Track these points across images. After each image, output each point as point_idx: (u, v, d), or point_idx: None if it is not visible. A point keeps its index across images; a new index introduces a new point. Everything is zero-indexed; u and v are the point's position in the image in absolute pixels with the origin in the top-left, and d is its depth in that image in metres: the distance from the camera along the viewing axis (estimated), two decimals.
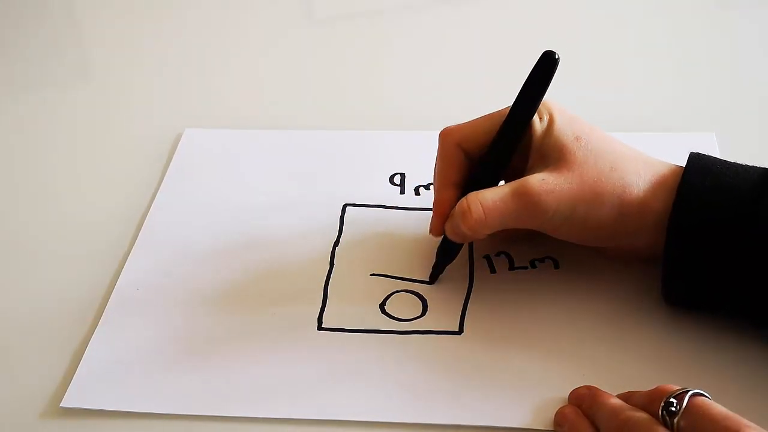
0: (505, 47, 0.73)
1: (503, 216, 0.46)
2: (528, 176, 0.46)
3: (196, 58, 0.75)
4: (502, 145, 0.48)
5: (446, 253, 0.50)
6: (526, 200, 0.45)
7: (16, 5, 0.83)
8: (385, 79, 0.71)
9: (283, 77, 0.72)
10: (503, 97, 0.67)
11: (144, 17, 0.82)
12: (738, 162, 0.45)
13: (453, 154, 0.49)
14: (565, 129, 0.46)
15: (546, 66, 0.46)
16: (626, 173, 0.45)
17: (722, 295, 0.44)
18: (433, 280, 0.51)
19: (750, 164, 0.45)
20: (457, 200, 0.47)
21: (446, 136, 0.49)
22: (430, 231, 0.50)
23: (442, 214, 0.48)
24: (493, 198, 0.46)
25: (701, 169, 0.45)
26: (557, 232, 0.47)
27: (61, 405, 0.44)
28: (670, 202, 0.44)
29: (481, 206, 0.46)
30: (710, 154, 0.46)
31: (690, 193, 0.44)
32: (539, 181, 0.45)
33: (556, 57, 0.46)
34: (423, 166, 0.59)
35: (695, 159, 0.46)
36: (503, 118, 0.48)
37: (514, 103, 0.48)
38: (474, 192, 0.46)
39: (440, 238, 0.50)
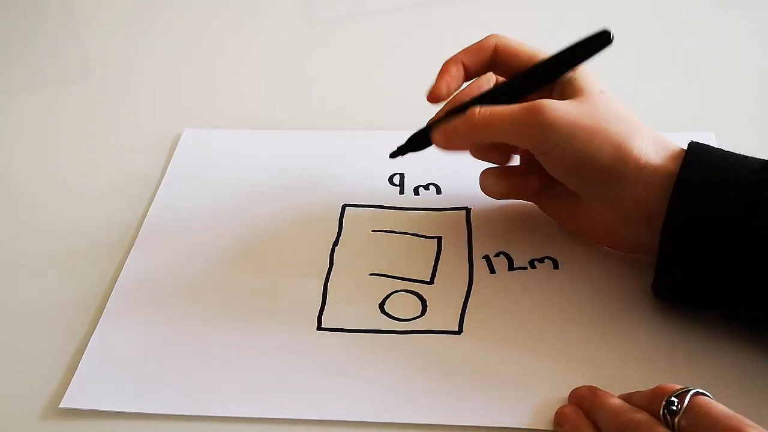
0: None
1: (508, 124, 0.47)
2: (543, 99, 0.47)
3: (195, 58, 0.75)
4: (525, 81, 0.50)
5: (414, 144, 0.53)
6: (534, 114, 0.46)
7: (16, 5, 0.83)
8: (385, 79, 0.71)
9: (283, 77, 0.72)
10: None
11: (144, 17, 0.82)
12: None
13: (487, 48, 0.51)
14: (592, 80, 0.48)
15: (599, 41, 0.48)
16: (634, 133, 0.46)
17: (717, 284, 0.44)
18: (392, 155, 0.54)
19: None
20: (460, 85, 0.51)
21: (493, 36, 0.51)
22: (428, 96, 0.51)
23: (442, 79, 0.51)
24: (502, 108, 0.48)
25: (701, 154, 0.45)
26: (551, 164, 0.47)
27: (60, 405, 0.44)
28: (668, 180, 0.44)
29: (490, 111, 0.47)
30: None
31: (690, 176, 0.44)
32: (551, 102, 0.46)
33: (611, 37, 0.48)
34: (422, 167, 0.59)
35: (694, 145, 0.46)
36: (540, 61, 0.50)
37: (553, 57, 0.49)
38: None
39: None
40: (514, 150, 0.53)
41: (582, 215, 0.49)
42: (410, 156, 0.60)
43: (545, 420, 0.42)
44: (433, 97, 0.51)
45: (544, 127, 0.46)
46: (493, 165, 0.53)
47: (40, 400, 0.45)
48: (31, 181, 0.62)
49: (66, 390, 0.45)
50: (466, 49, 0.52)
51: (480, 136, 0.49)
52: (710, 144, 0.46)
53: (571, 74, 0.49)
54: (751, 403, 0.42)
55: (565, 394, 0.43)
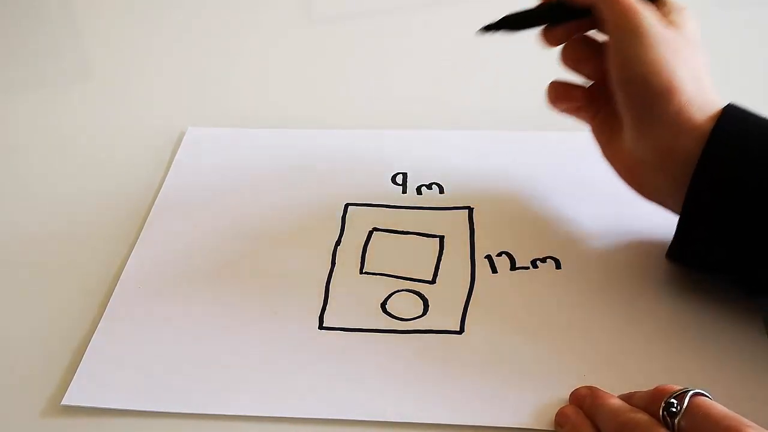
0: (507, 46, 0.73)
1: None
2: None
3: (199, 57, 0.75)
4: None
5: (514, 22, 0.52)
6: (633, 7, 0.47)
7: (16, 5, 0.83)
8: (387, 78, 0.71)
9: (286, 76, 0.72)
10: (504, 96, 0.67)
11: (144, 16, 0.82)
12: None
13: None
14: (695, 26, 0.49)
15: None
16: (692, 81, 0.46)
17: (736, 248, 0.45)
18: (485, 29, 0.53)
19: None
20: None
21: None
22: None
23: None
24: None
25: (735, 119, 0.46)
26: (616, 65, 0.48)
27: (62, 403, 0.44)
28: (701, 140, 0.45)
29: None
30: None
31: (720, 140, 0.45)
32: (654, 14, 0.48)
33: None
34: (425, 166, 0.59)
35: (730, 108, 0.46)
36: None
37: None
38: None
39: None
40: (601, 68, 0.52)
41: (620, 150, 0.50)
42: (412, 155, 0.60)
43: (546, 420, 0.42)
44: None
45: (635, 27, 0.47)
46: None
47: (41, 398, 0.45)
48: (33, 180, 0.62)
49: (68, 387, 0.45)
50: None
51: None
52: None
53: (682, 6, 0.49)
54: (750, 404, 0.42)
55: (566, 394, 0.43)
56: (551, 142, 0.60)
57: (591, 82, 0.53)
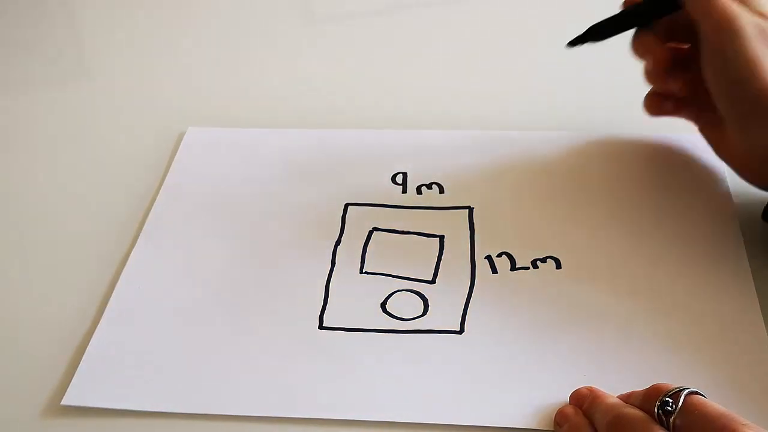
0: (507, 46, 0.73)
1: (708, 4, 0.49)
2: None
3: (198, 57, 0.75)
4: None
5: (599, 32, 0.54)
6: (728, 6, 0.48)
7: (16, 5, 0.83)
8: (387, 78, 0.71)
9: (286, 76, 0.72)
10: (505, 96, 0.67)
11: (145, 16, 0.82)
12: None
13: None
14: None
15: None
16: None
17: None
18: (571, 43, 0.54)
19: None
20: None
21: None
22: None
23: None
24: None
25: None
26: (712, 74, 0.49)
27: (61, 403, 0.44)
28: None
29: None
30: None
31: None
32: (750, 14, 0.48)
33: None
34: (425, 165, 0.59)
35: None
36: None
37: None
38: None
39: None
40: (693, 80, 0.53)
41: (732, 146, 0.50)
42: (412, 155, 0.60)
43: (546, 420, 0.42)
44: None
45: (729, 26, 0.47)
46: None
47: (41, 398, 0.45)
48: (33, 180, 0.62)
49: (67, 388, 0.45)
50: None
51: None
52: None
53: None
54: (750, 404, 0.42)
55: (566, 394, 0.43)
56: (551, 142, 0.60)
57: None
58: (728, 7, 0.47)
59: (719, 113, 0.50)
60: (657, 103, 0.55)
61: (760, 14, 0.48)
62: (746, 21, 0.47)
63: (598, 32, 0.54)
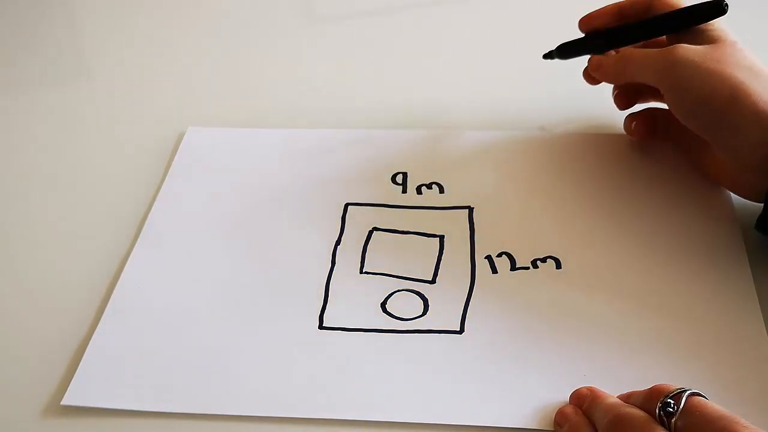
0: (508, 45, 0.73)
1: (644, 63, 0.52)
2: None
3: (198, 57, 0.75)
4: (638, 30, 0.54)
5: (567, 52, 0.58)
6: (666, 54, 0.50)
7: (16, 5, 0.83)
8: (387, 78, 0.71)
9: (286, 75, 0.72)
10: (505, 96, 0.67)
11: (145, 16, 0.82)
12: None
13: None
14: (726, 31, 0.51)
15: (712, 10, 0.50)
16: (754, 79, 0.47)
17: None
18: (546, 56, 0.61)
19: None
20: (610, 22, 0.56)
21: None
22: (580, 23, 0.57)
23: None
24: (643, 50, 0.52)
25: None
26: (674, 103, 0.50)
27: (62, 403, 0.45)
28: None
29: (631, 51, 0.53)
30: None
31: None
32: (684, 45, 0.50)
33: (725, 5, 0.50)
34: (425, 165, 0.59)
35: None
36: (654, 17, 0.53)
37: (665, 16, 0.52)
38: None
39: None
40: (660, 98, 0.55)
41: (710, 161, 0.52)
42: (412, 155, 0.60)
43: (546, 420, 0.42)
44: (583, 24, 0.57)
45: (670, 64, 0.49)
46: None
47: (41, 398, 0.45)
48: (33, 180, 0.62)
49: (67, 388, 0.45)
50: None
51: (624, 72, 0.54)
52: None
53: (707, 25, 0.51)
54: (750, 405, 0.42)
55: (566, 394, 0.43)
56: (551, 142, 0.60)
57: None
58: (664, 50, 0.50)
59: (701, 138, 0.51)
60: (638, 126, 0.57)
61: (704, 42, 0.50)
62: (685, 49, 0.49)
63: (564, 51, 0.59)
